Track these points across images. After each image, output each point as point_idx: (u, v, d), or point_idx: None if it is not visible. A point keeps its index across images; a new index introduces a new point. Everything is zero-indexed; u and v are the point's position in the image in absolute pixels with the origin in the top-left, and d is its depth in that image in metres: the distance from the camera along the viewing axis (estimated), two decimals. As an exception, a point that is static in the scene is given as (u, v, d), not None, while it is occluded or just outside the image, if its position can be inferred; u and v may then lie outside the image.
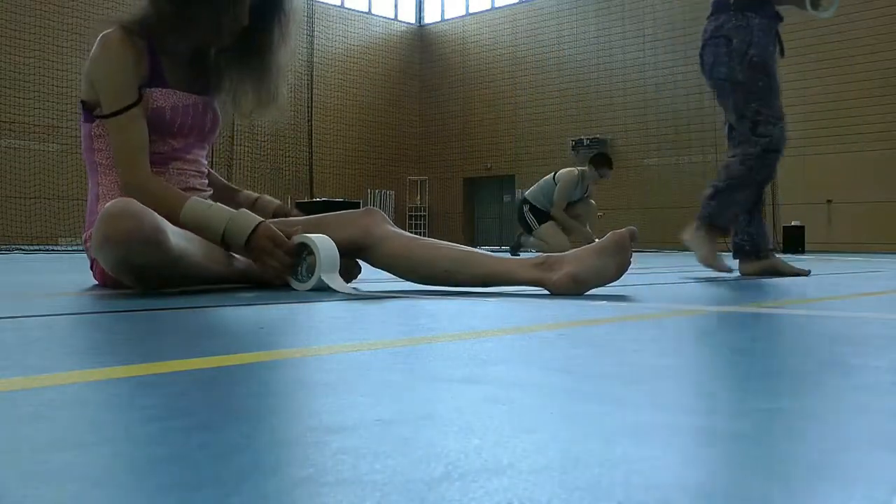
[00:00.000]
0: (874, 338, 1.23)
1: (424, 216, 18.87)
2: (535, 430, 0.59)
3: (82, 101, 2.30)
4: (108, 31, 2.24)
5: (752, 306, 1.83)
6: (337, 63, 17.78)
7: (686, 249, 3.53)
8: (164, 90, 2.25)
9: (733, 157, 3.30)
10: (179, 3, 2.20)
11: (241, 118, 2.53)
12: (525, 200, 7.52)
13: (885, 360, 0.98)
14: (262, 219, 2.04)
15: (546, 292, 2.04)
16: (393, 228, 2.25)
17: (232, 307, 1.68)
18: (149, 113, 2.23)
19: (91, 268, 2.29)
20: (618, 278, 2.08)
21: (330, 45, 17.67)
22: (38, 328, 1.32)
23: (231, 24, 2.24)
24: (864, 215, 12.50)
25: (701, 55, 3.42)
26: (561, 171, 7.45)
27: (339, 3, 17.98)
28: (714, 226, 3.31)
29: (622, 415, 0.65)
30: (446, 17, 19.31)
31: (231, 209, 2.07)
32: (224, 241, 2.01)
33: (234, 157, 15.66)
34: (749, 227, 3.36)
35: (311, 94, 17.13)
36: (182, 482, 0.46)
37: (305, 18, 17.10)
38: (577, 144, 16.13)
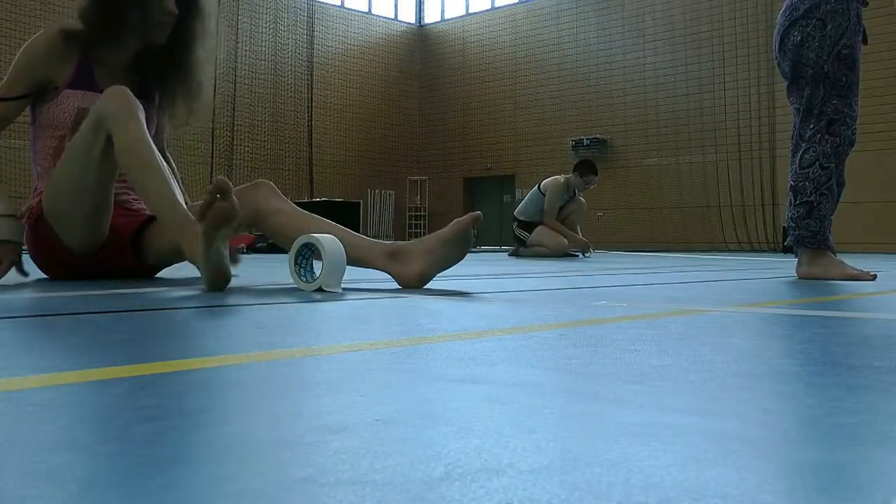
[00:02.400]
0: (874, 338, 1.23)
1: (424, 216, 18.87)
2: (535, 430, 0.59)
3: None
4: (48, 27, 2.40)
5: (751, 306, 1.83)
6: (337, 63, 17.78)
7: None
8: (86, 93, 2.38)
9: (810, 159, 3.06)
10: (105, 4, 2.34)
11: (173, 121, 2.59)
12: (514, 218, 7.58)
13: (885, 360, 0.98)
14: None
15: (547, 293, 2.04)
16: (281, 202, 2.33)
17: (232, 307, 1.68)
18: (74, 114, 2.37)
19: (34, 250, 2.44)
20: (457, 263, 2.24)
21: (330, 45, 17.67)
22: (37, 328, 1.32)
23: (159, 16, 2.33)
24: (865, 215, 12.50)
25: (782, 31, 3.08)
26: (546, 181, 7.49)
27: (339, 3, 17.98)
28: (823, 246, 3.09)
29: (622, 415, 0.65)
30: (446, 17, 19.31)
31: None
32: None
33: (234, 157, 15.67)
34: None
35: (311, 94, 17.13)
36: (182, 482, 0.46)
37: (305, 18, 17.10)
38: (577, 144, 16.13)
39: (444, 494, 0.43)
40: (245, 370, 0.88)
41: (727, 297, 2.20)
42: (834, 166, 3.04)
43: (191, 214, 2.02)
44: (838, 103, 3.01)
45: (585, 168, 7.31)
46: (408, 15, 19.54)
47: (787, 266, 4.61)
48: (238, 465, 0.50)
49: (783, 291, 2.41)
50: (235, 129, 15.69)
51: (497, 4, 18.31)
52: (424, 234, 16.23)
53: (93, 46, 2.38)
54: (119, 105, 2.08)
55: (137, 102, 2.12)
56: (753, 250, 13.05)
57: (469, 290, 2.10)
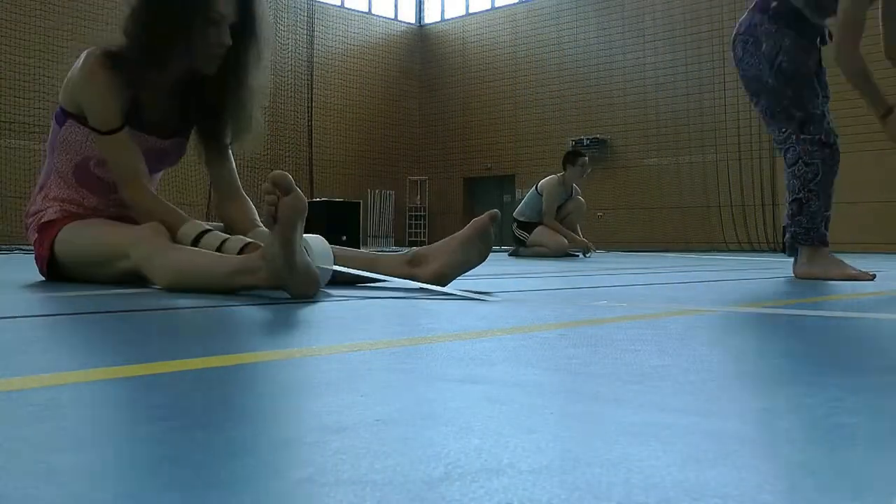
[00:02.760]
0: (874, 338, 1.23)
1: (424, 216, 18.87)
2: (535, 430, 0.59)
3: (62, 108, 2.37)
4: (93, 50, 2.27)
5: (751, 306, 1.83)
6: (337, 63, 17.78)
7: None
8: (134, 132, 2.31)
9: (793, 158, 3.11)
10: (152, 28, 2.18)
11: (213, 156, 2.47)
12: (513, 219, 7.60)
13: (885, 360, 0.98)
14: (248, 240, 2.11)
15: (547, 293, 2.04)
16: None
17: (232, 307, 1.68)
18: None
19: (36, 256, 2.41)
20: (481, 263, 2.20)
21: (330, 45, 17.67)
22: (38, 328, 1.32)
23: (210, 47, 2.20)
24: (864, 215, 12.49)
25: (733, 44, 3.26)
26: (542, 181, 7.51)
27: (339, 3, 17.98)
28: (817, 242, 3.12)
29: (622, 415, 0.65)
30: (446, 17, 19.30)
31: (223, 235, 2.13)
32: None
33: (234, 157, 15.66)
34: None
35: (311, 94, 17.13)
36: (182, 482, 0.46)
37: (305, 18, 17.09)
38: (577, 144, 16.14)
39: (444, 494, 0.43)
40: (245, 370, 0.88)
41: (727, 297, 2.20)
42: (820, 162, 3.06)
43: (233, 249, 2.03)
44: (799, 109, 3.08)
45: (571, 156, 7.39)
46: (408, 15, 19.53)
47: (787, 266, 4.61)
48: (238, 465, 0.50)
49: (783, 291, 2.41)
50: (236, 128, 15.66)
51: (497, 4, 18.31)
52: (424, 234, 16.15)
53: (136, 71, 2.25)
54: (144, 247, 2.06)
55: (159, 232, 2.08)
56: (753, 250, 13.05)
57: (469, 291, 2.10)
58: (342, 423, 0.61)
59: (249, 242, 2.08)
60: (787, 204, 3.20)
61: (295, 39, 17.00)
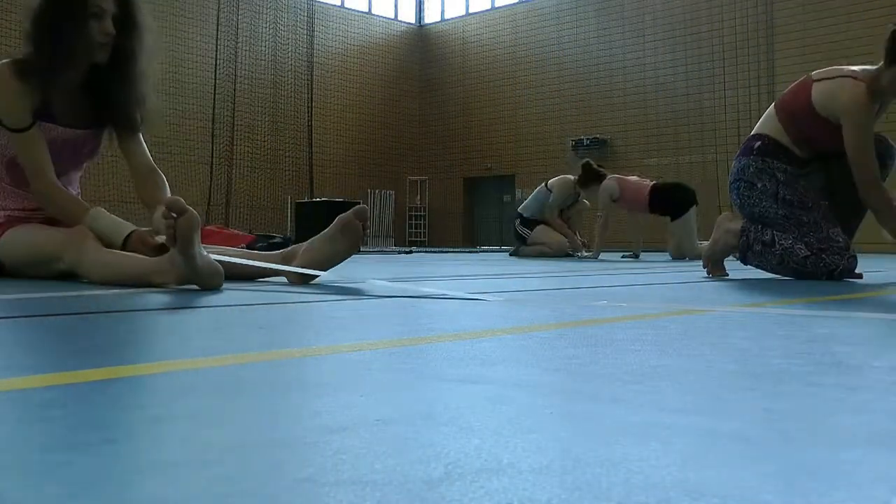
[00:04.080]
0: (874, 338, 1.23)
1: (424, 216, 18.87)
2: (535, 430, 0.59)
3: None
4: (5, 62, 2.58)
5: (752, 306, 1.83)
6: (337, 63, 17.77)
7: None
8: (48, 125, 2.60)
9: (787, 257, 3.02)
10: (44, 27, 2.50)
11: (123, 138, 2.76)
12: (517, 214, 7.58)
13: (885, 360, 0.98)
14: (134, 227, 2.44)
15: (547, 293, 2.04)
16: None
17: (232, 307, 1.68)
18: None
19: None
20: (349, 256, 2.38)
21: (330, 45, 17.66)
22: (38, 328, 1.32)
23: (97, 37, 2.50)
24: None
25: (730, 195, 3.30)
26: (554, 179, 7.47)
27: (339, 3, 17.97)
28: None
29: (622, 415, 0.65)
30: (446, 17, 19.30)
31: (117, 220, 2.46)
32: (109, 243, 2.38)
33: (234, 157, 15.67)
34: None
35: (311, 94, 17.12)
36: (183, 482, 0.46)
37: (305, 18, 17.09)
38: (577, 144, 16.13)
39: (444, 494, 0.43)
40: (245, 370, 0.88)
41: (727, 297, 2.20)
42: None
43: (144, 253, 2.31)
44: (811, 237, 2.97)
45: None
46: (408, 15, 19.53)
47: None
48: (238, 465, 0.50)
49: (783, 291, 2.41)
50: (235, 129, 15.68)
51: (497, 4, 18.30)
52: (424, 234, 16.06)
53: (44, 73, 2.53)
54: (73, 252, 2.35)
55: (86, 236, 2.38)
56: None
57: (469, 291, 2.10)
58: (342, 423, 0.61)
59: (133, 231, 2.41)
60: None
61: (295, 39, 16.99)
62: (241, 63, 16.01)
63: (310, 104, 17.11)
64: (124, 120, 2.71)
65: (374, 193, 18.06)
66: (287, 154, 16.68)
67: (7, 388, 0.75)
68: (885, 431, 0.60)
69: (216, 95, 15.45)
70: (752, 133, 3.22)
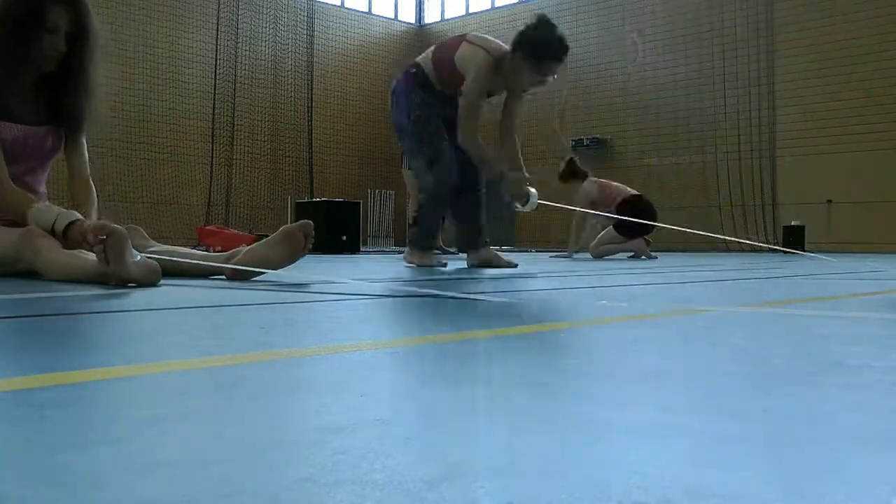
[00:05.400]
0: (874, 338, 1.23)
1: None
2: (536, 430, 0.59)
3: None
4: None
5: (752, 306, 1.83)
6: (337, 63, 17.76)
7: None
8: (8, 124, 2.76)
9: (422, 186, 4.13)
10: (2, 38, 2.68)
11: (72, 135, 2.95)
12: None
13: (885, 360, 0.98)
14: (74, 219, 2.54)
15: (547, 293, 2.04)
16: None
17: (232, 307, 1.68)
18: None
19: None
20: (290, 264, 2.57)
21: (330, 45, 17.66)
22: (38, 328, 1.32)
23: (47, 50, 2.69)
24: (864, 215, 12.49)
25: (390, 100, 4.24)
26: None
27: (339, 3, 17.97)
28: (424, 245, 4.13)
29: (622, 415, 0.65)
30: (446, 17, 19.29)
31: (55, 212, 2.56)
32: (53, 233, 2.51)
33: (234, 157, 15.67)
34: (460, 227, 4.23)
35: (311, 94, 17.12)
36: (182, 482, 0.46)
37: (305, 18, 17.09)
38: (577, 144, 16.13)
39: (444, 494, 0.43)
40: (245, 370, 0.88)
41: (727, 297, 2.20)
42: (435, 193, 4.01)
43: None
44: (428, 147, 3.97)
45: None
46: (408, 15, 19.53)
47: (787, 266, 4.61)
48: (238, 465, 0.50)
49: (783, 291, 2.41)
50: (235, 129, 15.67)
51: (497, 4, 18.30)
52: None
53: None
54: (28, 252, 2.48)
55: (34, 234, 2.51)
56: (753, 250, 13.05)
57: (468, 291, 2.10)
58: (342, 423, 0.61)
59: (76, 220, 2.54)
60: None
61: (295, 39, 16.99)
62: (241, 63, 16.00)
63: (310, 104, 17.10)
64: (69, 124, 2.91)
65: (374, 193, 18.06)
66: (287, 154, 16.68)
67: (7, 388, 0.75)
68: (885, 431, 0.60)
69: (216, 95, 15.44)
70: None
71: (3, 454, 0.52)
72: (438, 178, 3.96)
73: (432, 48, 4.10)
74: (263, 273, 2.51)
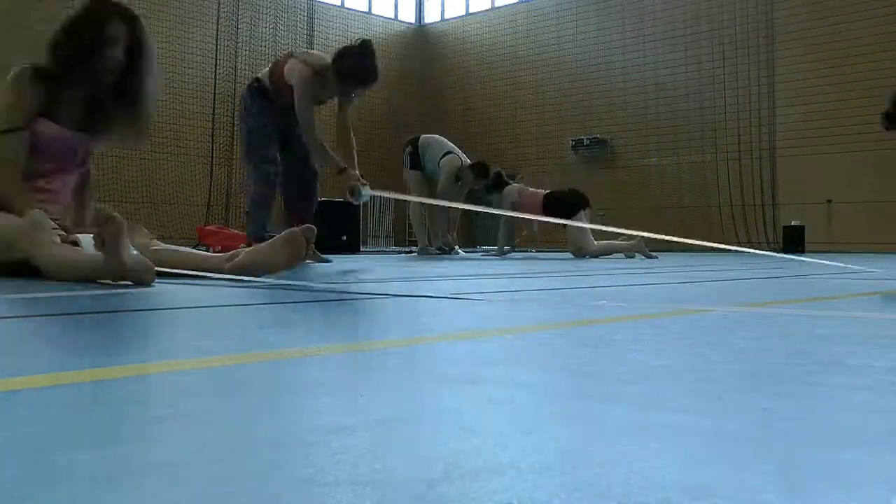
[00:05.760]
0: (874, 338, 1.23)
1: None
2: (535, 430, 0.59)
3: None
4: (24, 64, 2.88)
5: (752, 306, 1.83)
6: (337, 63, 17.76)
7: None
8: (48, 122, 2.88)
9: (251, 187, 4.74)
10: (70, 47, 2.84)
11: (114, 140, 3.19)
12: None
13: (885, 360, 0.98)
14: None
15: (547, 293, 2.04)
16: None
17: (232, 307, 1.68)
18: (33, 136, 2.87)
19: None
20: (289, 268, 2.60)
21: (330, 45, 17.63)
22: (37, 328, 1.32)
23: (107, 63, 2.84)
24: (864, 215, 12.49)
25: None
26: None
27: (339, 3, 17.97)
28: (258, 238, 4.33)
29: (622, 415, 0.65)
30: (446, 17, 19.29)
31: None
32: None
33: (234, 157, 15.66)
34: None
35: (311, 94, 17.12)
36: (182, 482, 0.46)
37: (305, 18, 17.09)
38: (577, 144, 16.13)
39: (444, 494, 0.43)
40: (245, 370, 0.88)
41: (727, 297, 2.20)
42: (264, 192, 4.68)
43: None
44: (255, 154, 4.69)
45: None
46: (408, 15, 19.52)
47: (787, 266, 4.61)
48: (238, 465, 0.50)
49: (783, 291, 2.41)
50: (235, 129, 15.67)
51: (497, 4, 18.29)
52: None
53: (56, 81, 2.86)
54: (27, 243, 2.49)
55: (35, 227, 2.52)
56: (753, 250, 13.04)
57: (469, 291, 2.10)
58: (342, 423, 0.61)
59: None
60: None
61: (295, 39, 16.98)
62: (241, 63, 16.01)
63: (310, 104, 17.09)
64: (117, 136, 3.10)
65: (374, 193, 18.05)
66: (287, 154, 16.67)
67: (7, 388, 0.75)
68: (885, 431, 0.60)
69: (216, 95, 15.44)
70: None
71: (3, 454, 0.52)
72: (265, 178, 4.64)
73: (270, 65, 4.87)
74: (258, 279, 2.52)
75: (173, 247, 2.88)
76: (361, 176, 4.44)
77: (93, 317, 1.51)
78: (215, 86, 15.54)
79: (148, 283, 2.21)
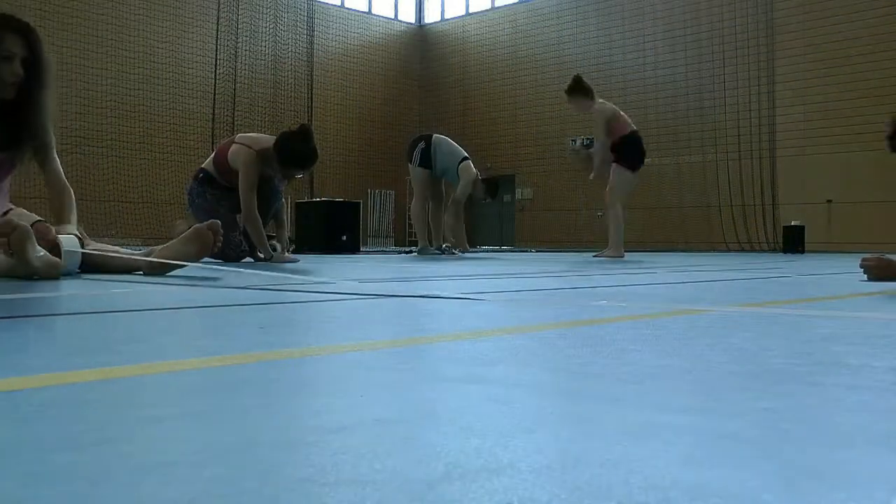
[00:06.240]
0: (874, 338, 1.23)
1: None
2: (535, 430, 0.59)
3: None
4: None
5: (752, 306, 1.83)
6: (337, 63, 17.77)
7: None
8: None
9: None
10: None
11: (39, 159, 3.13)
12: None
13: (885, 360, 0.98)
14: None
15: (547, 293, 2.04)
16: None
17: (232, 307, 1.68)
18: None
19: None
20: (198, 259, 2.95)
21: (330, 44, 17.66)
22: (37, 328, 1.32)
23: (8, 78, 2.85)
24: (864, 215, 12.50)
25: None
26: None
27: (339, 3, 17.97)
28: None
29: (622, 415, 0.65)
30: (446, 17, 19.29)
31: None
32: None
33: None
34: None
35: (311, 94, 17.12)
36: (182, 482, 0.46)
37: (305, 18, 17.09)
38: (577, 144, 16.13)
39: (444, 494, 0.43)
40: (245, 370, 0.88)
41: (727, 297, 2.20)
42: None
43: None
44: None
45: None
46: (408, 15, 19.53)
47: (787, 266, 4.61)
48: (238, 465, 0.50)
49: (783, 291, 2.41)
50: (235, 128, 15.66)
51: (497, 4, 18.30)
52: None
53: None
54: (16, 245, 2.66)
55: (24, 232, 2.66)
56: (753, 250, 13.05)
57: (469, 291, 2.10)
58: (342, 423, 0.61)
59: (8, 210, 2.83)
60: None
61: (295, 39, 16.99)
62: (241, 63, 16.01)
63: (310, 104, 17.11)
64: (38, 144, 3.10)
65: (374, 193, 18.06)
66: (287, 154, 16.66)
67: (7, 388, 0.75)
68: (885, 431, 0.60)
69: (216, 95, 15.44)
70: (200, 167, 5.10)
71: (3, 454, 0.52)
72: (237, 246, 4.83)
73: (213, 153, 5.04)
74: (182, 266, 2.87)
75: (102, 244, 3.08)
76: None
77: (90, 317, 1.51)
78: (215, 86, 15.54)
79: (55, 278, 2.51)
